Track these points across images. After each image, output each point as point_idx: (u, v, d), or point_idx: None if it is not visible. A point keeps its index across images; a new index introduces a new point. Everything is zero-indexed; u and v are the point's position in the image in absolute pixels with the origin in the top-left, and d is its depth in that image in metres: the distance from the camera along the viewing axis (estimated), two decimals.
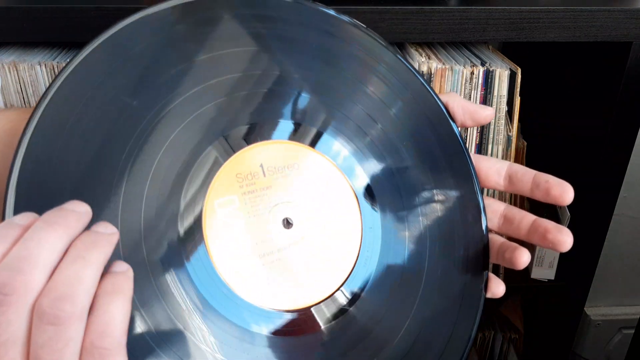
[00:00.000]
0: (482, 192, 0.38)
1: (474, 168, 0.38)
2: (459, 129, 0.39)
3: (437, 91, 0.54)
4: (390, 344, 0.33)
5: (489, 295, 0.37)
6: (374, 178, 0.35)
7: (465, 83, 0.54)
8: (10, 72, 0.49)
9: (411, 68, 0.38)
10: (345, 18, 0.37)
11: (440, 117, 0.38)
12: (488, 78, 0.55)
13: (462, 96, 0.55)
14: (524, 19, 0.50)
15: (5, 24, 0.46)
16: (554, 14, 0.51)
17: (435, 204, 0.37)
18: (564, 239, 0.34)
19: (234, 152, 0.32)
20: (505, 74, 0.55)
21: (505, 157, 0.60)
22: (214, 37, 0.32)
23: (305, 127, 0.34)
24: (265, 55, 0.34)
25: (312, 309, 0.32)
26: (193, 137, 0.31)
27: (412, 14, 0.49)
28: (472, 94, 0.55)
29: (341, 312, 0.33)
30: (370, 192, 0.35)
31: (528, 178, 0.37)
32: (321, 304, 0.32)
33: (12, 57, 0.50)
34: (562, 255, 0.65)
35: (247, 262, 0.31)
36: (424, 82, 0.38)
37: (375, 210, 0.35)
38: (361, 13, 0.49)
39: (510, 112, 0.58)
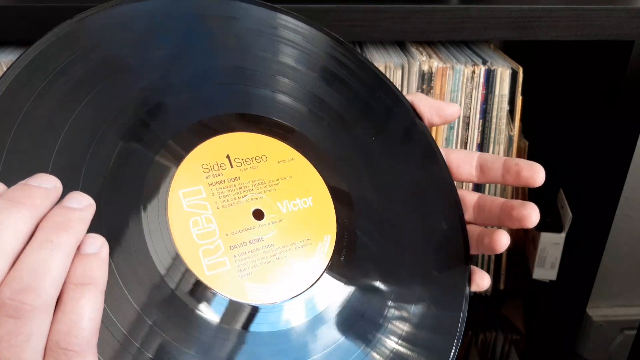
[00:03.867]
0: (455, 187, 0.38)
1: (445, 163, 0.38)
2: (428, 127, 0.39)
3: (438, 90, 0.54)
4: (369, 347, 0.33)
5: (474, 288, 0.37)
6: (349, 177, 0.35)
7: (466, 82, 0.54)
8: None
9: (376, 70, 0.38)
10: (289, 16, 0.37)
11: (410, 117, 0.38)
12: (489, 77, 0.54)
13: (464, 96, 0.55)
14: (526, 17, 0.50)
15: (3, 23, 0.46)
16: (555, 13, 0.50)
17: (411, 201, 0.36)
18: (528, 212, 0.34)
19: (197, 143, 0.31)
20: (507, 73, 0.54)
21: (506, 156, 0.59)
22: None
23: (273, 119, 0.34)
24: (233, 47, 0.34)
25: (283, 304, 0.31)
26: (153, 128, 0.30)
27: (413, 13, 0.49)
28: (474, 93, 0.55)
29: (313, 310, 0.32)
30: (345, 190, 0.35)
31: (498, 165, 0.37)
32: (292, 300, 0.32)
33: (10, 56, 0.49)
34: (564, 256, 0.65)
35: (216, 254, 0.30)
36: (391, 84, 0.38)
37: (351, 209, 0.35)
38: (361, 12, 0.48)
39: (511, 112, 0.58)
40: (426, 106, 0.38)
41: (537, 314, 0.78)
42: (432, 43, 0.58)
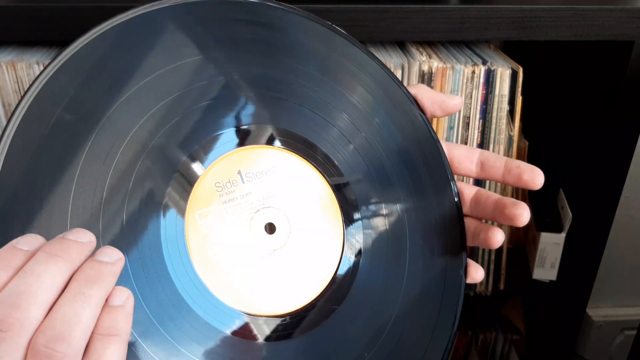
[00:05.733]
0: (454, 179, 0.39)
1: (446, 158, 0.39)
2: (429, 119, 0.39)
3: (438, 90, 0.54)
4: (376, 340, 0.34)
5: (469, 280, 0.38)
6: (352, 175, 0.35)
7: (466, 82, 0.54)
8: (8, 71, 0.49)
9: (380, 66, 0.38)
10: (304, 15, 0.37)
11: (411, 111, 0.38)
12: (489, 77, 0.54)
13: (464, 96, 0.55)
14: (526, 17, 0.50)
15: (3, 23, 0.46)
16: (555, 13, 0.50)
17: (412, 198, 0.37)
18: (519, 212, 0.35)
19: (211, 162, 0.32)
20: (507, 73, 0.54)
21: (507, 157, 0.59)
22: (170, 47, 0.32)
23: (283, 131, 0.34)
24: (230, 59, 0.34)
25: (297, 313, 0.32)
26: (167, 149, 0.30)
27: (413, 13, 0.49)
28: (473, 93, 0.55)
29: (326, 315, 0.33)
30: (349, 189, 0.35)
31: (500, 164, 0.38)
32: (306, 308, 0.32)
33: (10, 56, 0.49)
34: (564, 256, 0.65)
35: (232, 272, 0.31)
36: (392, 77, 0.38)
37: (356, 210, 0.35)
38: (361, 12, 0.48)
39: (511, 112, 0.58)
40: (429, 99, 0.39)
41: (537, 314, 0.78)
42: (432, 43, 0.58)
